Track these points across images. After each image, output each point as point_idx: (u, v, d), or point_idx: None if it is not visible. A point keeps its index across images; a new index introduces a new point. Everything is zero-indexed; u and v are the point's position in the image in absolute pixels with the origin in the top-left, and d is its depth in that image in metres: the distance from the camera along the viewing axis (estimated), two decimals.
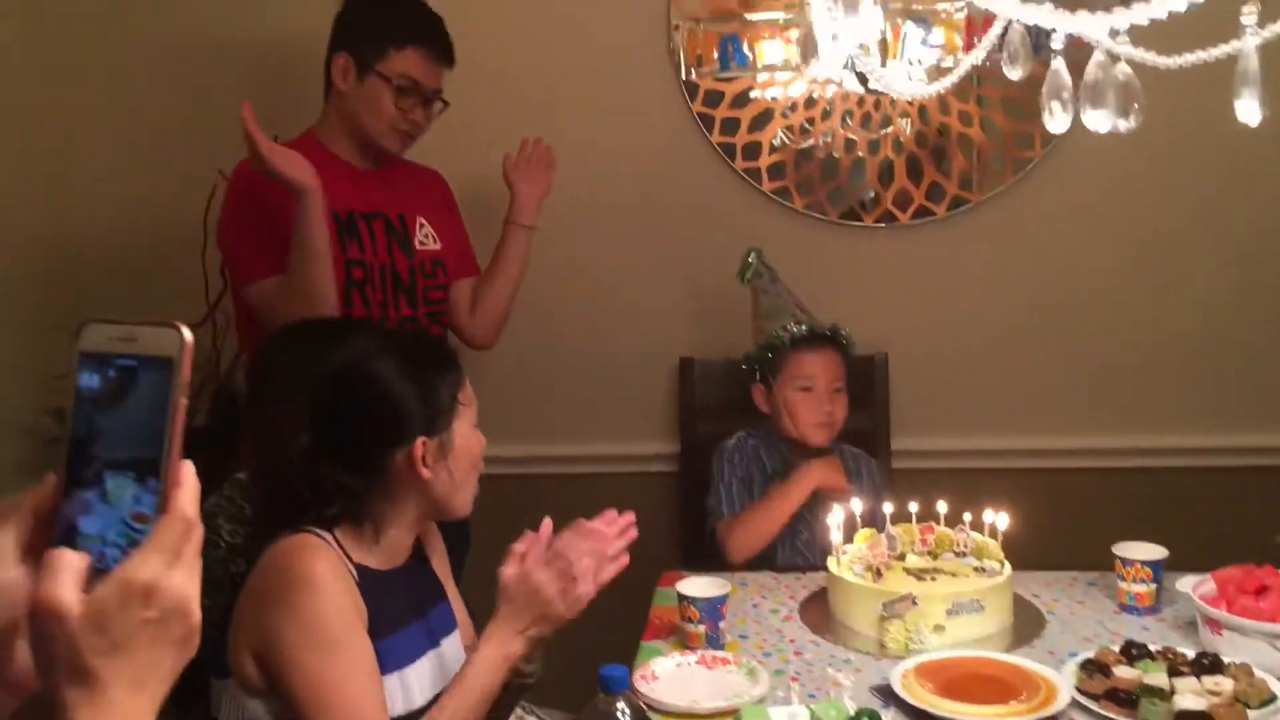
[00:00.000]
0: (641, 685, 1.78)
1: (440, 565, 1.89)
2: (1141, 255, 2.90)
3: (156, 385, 0.72)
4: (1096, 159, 2.71)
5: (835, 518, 2.08)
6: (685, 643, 1.95)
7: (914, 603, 1.92)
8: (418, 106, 2.37)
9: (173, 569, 0.70)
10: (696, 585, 1.97)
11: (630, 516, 1.80)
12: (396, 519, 1.72)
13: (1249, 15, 0.96)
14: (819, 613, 2.08)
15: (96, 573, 0.69)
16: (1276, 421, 2.89)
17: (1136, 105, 1.10)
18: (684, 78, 2.87)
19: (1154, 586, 2.03)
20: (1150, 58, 1.22)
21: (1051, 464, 2.92)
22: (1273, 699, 1.66)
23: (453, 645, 1.79)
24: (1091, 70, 1.03)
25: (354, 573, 1.64)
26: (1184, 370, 2.92)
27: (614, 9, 2.87)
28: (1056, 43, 1.10)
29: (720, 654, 1.89)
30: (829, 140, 2.89)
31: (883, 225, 2.92)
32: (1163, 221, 2.87)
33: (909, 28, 2.79)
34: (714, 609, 1.93)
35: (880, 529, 2.11)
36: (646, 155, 2.92)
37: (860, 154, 2.90)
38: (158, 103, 2.92)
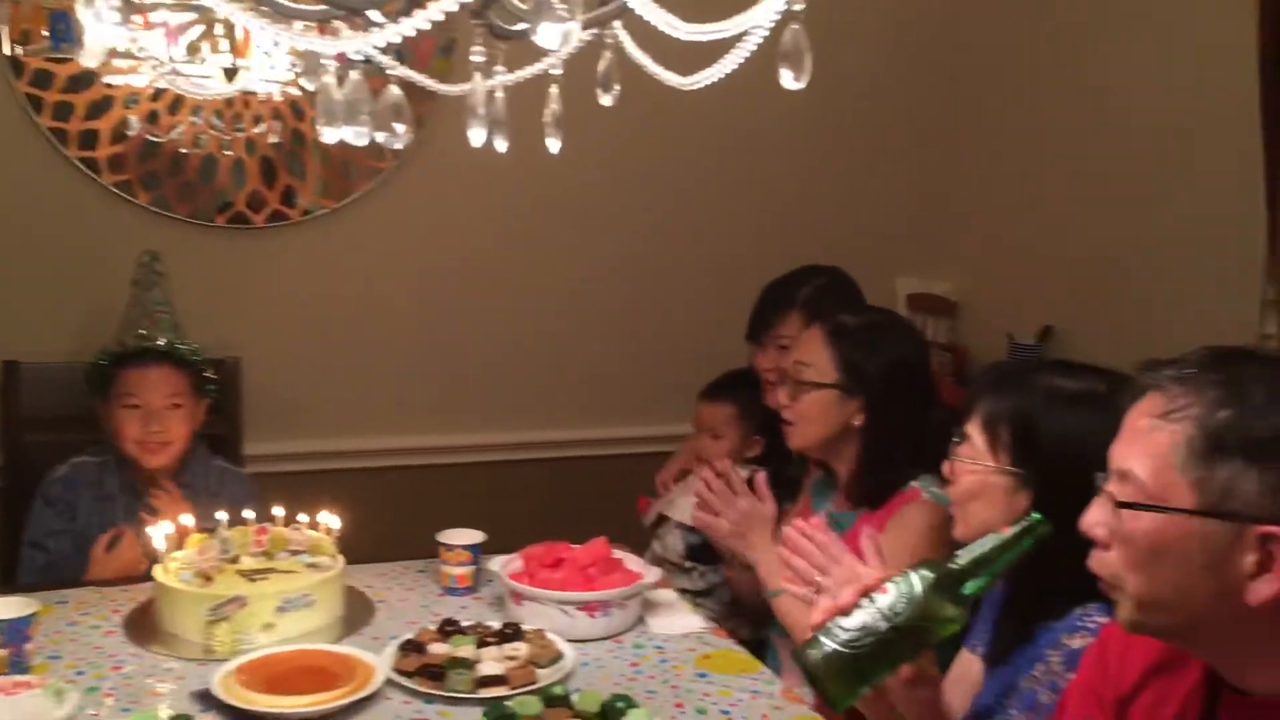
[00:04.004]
0: None
1: None
2: (470, 267, 3.10)
3: None
4: (448, 170, 2.89)
5: (161, 529, 2.02)
6: None
7: (243, 604, 1.92)
8: None
9: None
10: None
11: None
12: None
13: (477, 54, 1.10)
14: (145, 624, 2.00)
15: None
16: (580, 417, 3.26)
17: (400, 122, 1.20)
18: (8, 53, 2.61)
19: (473, 568, 2.21)
20: (416, 76, 1.36)
21: (391, 462, 3.06)
22: (560, 657, 1.90)
23: None
24: (349, 89, 1.11)
25: None
26: (512, 372, 3.19)
27: None
28: (326, 61, 1.17)
29: (22, 678, 1.74)
30: (180, 135, 2.79)
31: (235, 227, 2.87)
32: (492, 236, 3.11)
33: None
34: (17, 631, 1.78)
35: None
36: None
37: (213, 152, 2.83)
38: None
